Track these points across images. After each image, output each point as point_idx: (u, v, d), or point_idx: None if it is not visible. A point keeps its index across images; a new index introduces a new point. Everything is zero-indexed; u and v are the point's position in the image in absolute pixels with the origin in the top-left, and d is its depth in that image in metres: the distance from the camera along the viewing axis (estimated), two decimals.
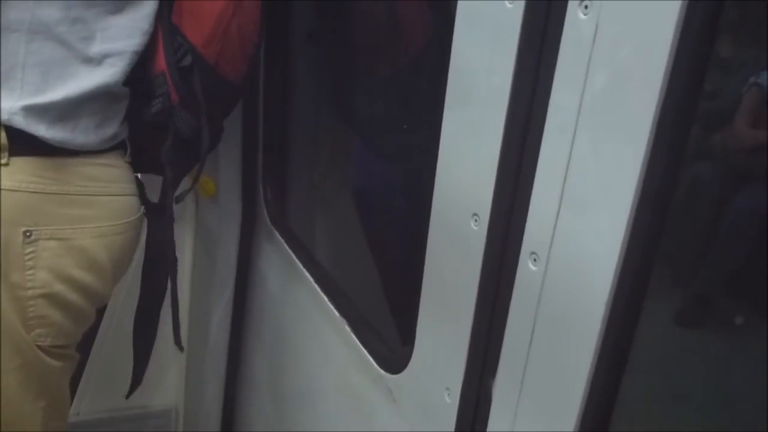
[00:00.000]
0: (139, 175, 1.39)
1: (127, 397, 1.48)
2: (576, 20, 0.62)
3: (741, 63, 0.60)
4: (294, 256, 1.47)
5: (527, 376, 0.72)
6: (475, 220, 0.78)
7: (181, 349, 1.47)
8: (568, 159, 0.64)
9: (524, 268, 0.71)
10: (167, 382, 2.00)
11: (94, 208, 1.14)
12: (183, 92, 1.18)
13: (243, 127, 1.61)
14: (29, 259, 1.09)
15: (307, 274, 1.39)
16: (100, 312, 1.63)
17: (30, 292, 1.10)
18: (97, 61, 1.09)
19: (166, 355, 1.96)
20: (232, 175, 1.66)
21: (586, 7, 0.61)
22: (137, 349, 1.42)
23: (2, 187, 1.06)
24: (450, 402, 0.87)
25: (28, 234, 1.08)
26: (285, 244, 1.52)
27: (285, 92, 1.62)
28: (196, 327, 1.91)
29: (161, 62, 1.17)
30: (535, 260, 0.69)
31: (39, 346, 1.14)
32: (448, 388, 0.88)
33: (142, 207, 1.25)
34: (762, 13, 0.55)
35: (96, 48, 1.09)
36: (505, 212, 0.74)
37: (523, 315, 0.72)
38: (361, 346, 1.15)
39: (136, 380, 1.45)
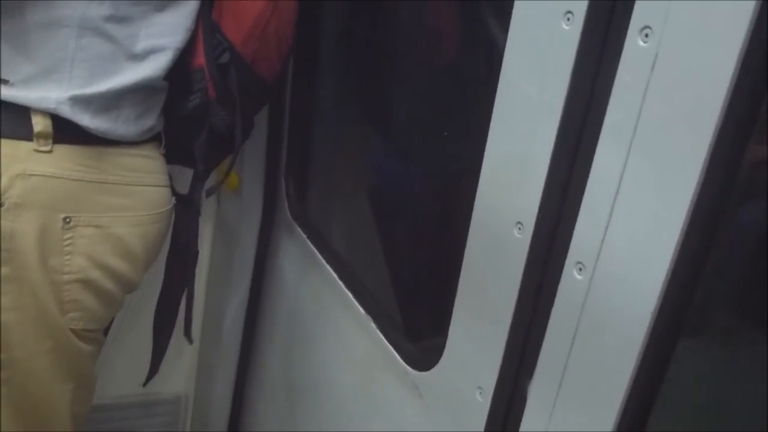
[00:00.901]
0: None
1: (144, 384, 1.51)
2: (635, 47, 0.66)
3: None
4: (316, 252, 1.50)
5: (565, 379, 0.76)
6: (519, 228, 0.82)
7: (190, 341, 1.50)
8: (621, 177, 0.68)
9: (569, 276, 0.74)
10: (178, 370, 2.03)
11: (131, 197, 1.18)
12: (220, 88, 1.22)
13: (269, 122, 1.64)
14: (67, 245, 1.12)
15: (330, 270, 1.42)
16: None
17: (66, 277, 1.13)
18: (141, 57, 1.13)
19: (178, 344, 1.99)
20: (255, 170, 1.69)
21: (646, 35, 0.65)
22: (156, 339, 1.45)
23: (45, 173, 1.09)
24: (482, 401, 0.91)
25: (67, 220, 1.11)
26: (307, 239, 1.56)
27: (312, 90, 1.65)
28: (210, 317, 1.94)
29: (200, 58, 1.21)
30: (580, 269, 0.73)
31: (72, 330, 1.17)
32: (480, 387, 0.92)
33: (174, 197, 1.29)
34: None
35: (141, 45, 1.13)
36: (551, 223, 0.77)
37: (564, 321, 0.75)
38: (387, 343, 1.18)
39: (154, 369, 1.48)
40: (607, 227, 0.69)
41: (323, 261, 1.46)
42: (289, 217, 1.66)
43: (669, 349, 0.67)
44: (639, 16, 0.65)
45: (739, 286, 0.72)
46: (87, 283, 1.15)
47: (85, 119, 1.08)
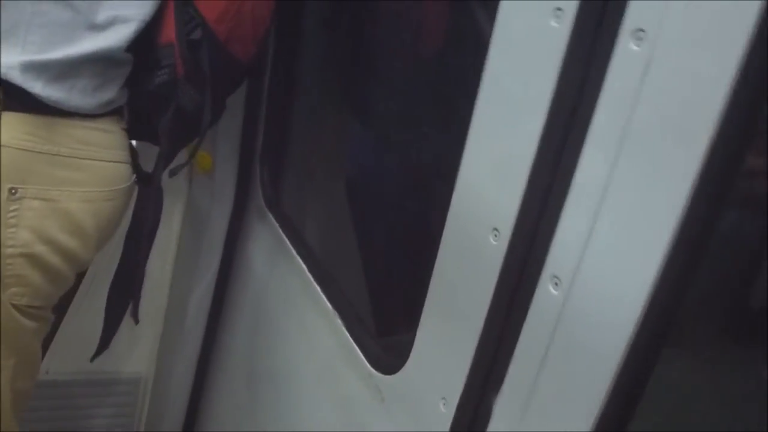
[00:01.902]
0: (134, 142, 1.37)
1: (92, 360, 1.47)
2: (626, 51, 0.61)
3: None
4: (287, 241, 1.45)
5: (533, 398, 0.72)
6: (495, 235, 0.77)
7: (135, 321, 1.45)
8: (605, 186, 0.63)
9: (544, 290, 0.70)
10: (139, 351, 1.97)
11: (84, 172, 1.12)
12: (190, 66, 1.17)
13: (245, 104, 1.59)
14: (12, 217, 1.07)
15: (300, 261, 1.37)
16: (81, 273, 1.61)
17: (10, 251, 1.08)
18: (102, 27, 1.08)
19: (141, 324, 1.93)
20: (229, 152, 1.63)
21: (639, 39, 0.60)
22: (108, 316, 1.41)
23: None
24: (445, 412, 0.87)
25: (13, 191, 1.06)
26: (279, 228, 1.51)
27: (292, 75, 1.60)
28: (174, 300, 1.89)
29: (170, 33, 1.16)
30: (556, 284, 0.69)
31: (14, 305, 1.12)
32: (444, 398, 0.88)
33: (134, 176, 1.23)
34: None
35: (103, 14, 1.07)
36: (529, 232, 0.73)
37: (536, 338, 0.71)
38: (352, 342, 1.14)
39: (103, 345, 1.44)
40: (587, 240, 0.65)
41: (293, 251, 1.41)
42: (261, 203, 1.60)
43: (643, 376, 0.63)
44: (632, 17, 0.61)
45: (720, 300, 0.69)
46: (32, 258, 1.09)
47: (37, 87, 1.03)
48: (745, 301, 0.68)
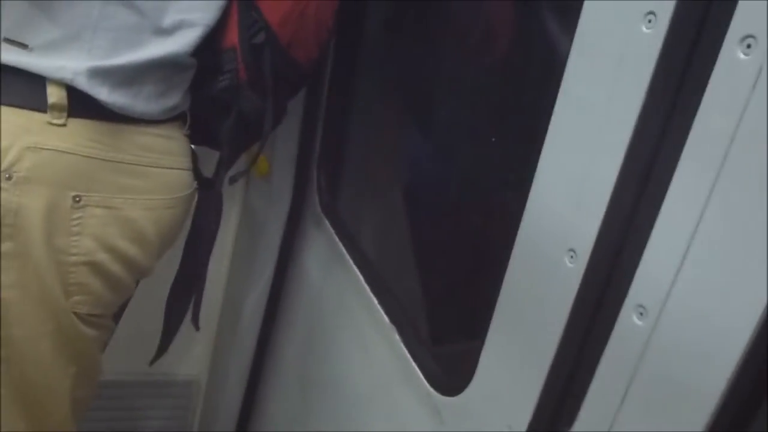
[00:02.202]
0: (193, 147, 1.36)
1: (151, 364, 1.45)
2: (733, 59, 0.55)
3: None
4: (343, 249, 1.41)
5: None
6: (571, 256, 0.72)
7: (196, 327, 1.43)
8: (703, 209, 0.57)
9: (627, 320, 0.64)
10: (194, 354, 1.98)
11: (147, 179, 1.10)
12: (252, 71, 1.14)
13: (304, 109, 1.56)
14: (75, 225, 1.05)
15: (357, 271, 1.34)
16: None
17: (73, 258, 1.07)
18: (168, 31, 1.05)
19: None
20: (287, 157, 1.61)
21: (748, 46, 0.54)
22: (167, 320, 1.39)
23: (57, 148, 1.02)
24: None
25: (77, 199, 1.04)
26: (335, 235, 1.47)
27: (352, 80, 1.56)
28: (229, 304, 1.88)
29: (233, 37, 1.13)
30: (641, 314, 0.63)
31: (76, 313, 1.11)
32: (509, 425, 0.82)
33: (195, 182, 1.21)
34: None
35: (169, 18, 1.05)
36: (611, 254, 0.67)
37: (617, 371, 0.65)
38: (410, 359, 1.09)
39: (162, 349, 1.43)
40: (680, 267, 0.59)
41: (350, 260, 1.37)
42: (318, 209, 1.57)
43: (745, 422, 0.57)
44: (740, 22, 0.55)
45: None
46: (94, 266, 1.08)
47: (103, 93, 1.01)
48: None
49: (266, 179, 1.64)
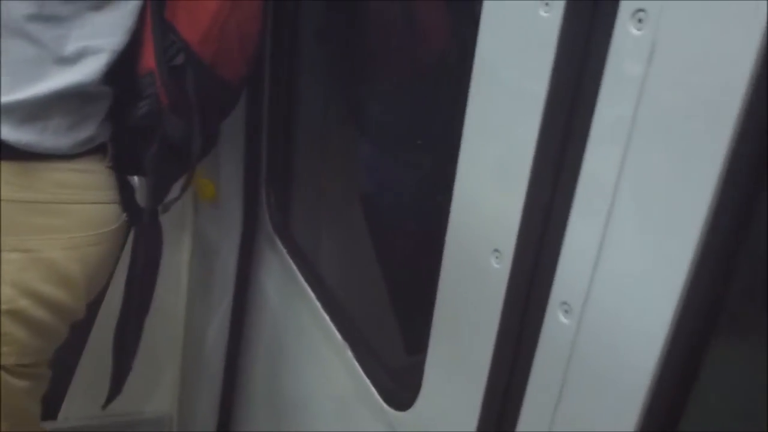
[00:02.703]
0: (136, 178, 1.31)
1: (104, 407, 1.39)
2: (627, 36, 0.53)
3: None
4: (296, 269, 1.38)
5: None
6: (497, 257, 0.69)
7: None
8: (613, 195, 0.54)
9: (553, 318, 0.61)
10: (161, 388, 1.93)
11: (66, 217, 1.05)
12: (174, 94, 1.09)
13: (246, 127, 1.52)
14: None
15: (309, 290, 1.30)
16: (94, 312, 1.55)
17: None
18: (72, 60, 1.00)
19: (160, 362, 1.89)
20: (233, 178, 1.57)
21: (640, 20, 0.51)
22: (116, 359, 1.33)
23: None
24: None
25: None
26: (287, 255, 1.43)
27: (291, 92, 1.53)
28: (191, 334, 1.83)
29: (150, 61, 1.08)
30: (566, 311, 0.60)
31: (2, 366, 1.05)
32: None
33: (124, 214, 1.16)
34: None
35: (71, 47, 1.00)
36: (533, 251, 0.64)
37: (550, 371, 0.62)
38: (363, 376, 1.06)
39: (115, 390, 1.36)
40: (597, 262, 0.56)
41: (302, 279, 1.33)
42: (270, 229, 1.53)
43: (675, 409, 0.54)
44: None
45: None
46: (16, 314, 1.02)
47: (5, 131, 0.96)
48: None
49: (214, 203, 1.60)
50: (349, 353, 1.11)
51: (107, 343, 1.63)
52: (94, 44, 1.01)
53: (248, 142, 1.53)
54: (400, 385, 0.99)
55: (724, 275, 0.49)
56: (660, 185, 0.52)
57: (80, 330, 1.42)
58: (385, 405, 0.99)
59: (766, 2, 0.43)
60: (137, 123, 1.08)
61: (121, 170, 1.15)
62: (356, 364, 1.09)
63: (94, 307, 1.26)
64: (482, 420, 0.75)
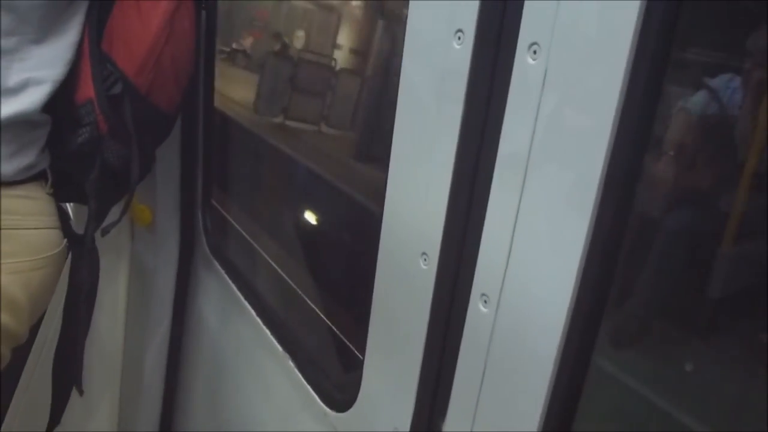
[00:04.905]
0: (71, 205, 1.34)
1: None
2: (524, 65, 0.62)
3: None
4: (234, 287, 1.43)
5: (478, 418, 0.72)
6: (425, 260, 0.77)
7: (80, 392, 1.38)
8: (519, 200, 0.64)
9: (475, 310, 0.70)
10: (100, 414, 1.91)
11: (9, 242, 1.07)
12: (112, 121, 1.14)
13: (181, 153, 1.57)
14: None
15: (248, 306, 1.35)
16: (32, 335, 1.54)
17: None
18: (15, 91, 1.04)
19: (100, 386, 1.88)
20: (169, 203, 1.61)
21: (534, 52, 0.61)
22: (56, 387, 1.33)
23: None
24: None
25: None
26: (225, 275, 1.48)
27: (225, 118, 1.59)
28: (130, 360, 1.84)
29: (88, 90, 1.12)
30: (485, 302, 0.69)
31: None
32: (396, 428, 0.86)
33: (65, 240, 1.19)
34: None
35: (14, 78, 1.03)
36: (455, 252, 0.73)
37: (473, 357, 0.71)
38: (305, 383, 1.12)
39: (54, 420, 1.36)
40: (508, 257, 0.65)
41: (241, 297, 1.39)
42: (207, 251, 1.58)
43: (578, 378, 0.63)
44: (526, 32, 0.62)
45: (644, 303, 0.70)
46: None
47: None
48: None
49: (150, 228, 1.64)
50: (290, 363, 1.17)
51: (42, 370, 1.64)
52: (36, 76, 1.04)
53: (184, 167, 1.58)
54: (339, 387, 1.06)
55: (609, 269, 0.59)
56: (555, 190, 0.61)
57: (20, 354, 1.43)
58: (326, 408, 1.05)
59: (631, 39, 0.53)
60: (78, 149, 1.12)
61: (60, 197, 1.18)
62: (297, 373, 1.15)
63: (33, 332, 1.26)
64: (416, 413, 0.83)
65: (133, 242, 1.72)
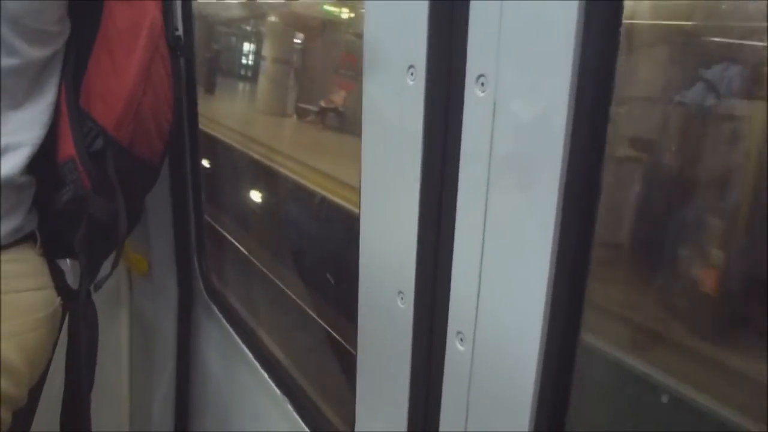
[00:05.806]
0: (68, 261, 1.33)
1: None
2: (474, 97, 0.61)
3: None
4: (232, 332, 1.42)
5: None
6: (401, 298, 0.76)
7: None
8: (483, 233, 0.62)
9: (452, 348, 0.68)
10: None
11: (2, 307, 1.07)
12: (96, 177, 1.14)
13: (173, 200, 1.57)
14: None
15: (246, 350, 1.34)
16: (35, 397, 1.53)
17: None
18: None
19: None
20: (165, 250, 1.61)
21: (482, 84, 0.60)
22: None
23: None
24: None
25: None
26: (223, 319, 1.48)
27: (214, 160, 1.59)
28: (137, 409, 1.83)
29: (69, 148, 1.12)
30: (462, 340, 0.67)
31: None
32: None
33: (59, 298, 1.18)
34: None
35: None
36: (429, 291, 0.71)
37: (456, 397, 0.69)
38: (305, 427, 1.11)
39: None
40: (478, 293, 0.64)
41: (239, 340, 1.38)
42: (205, 296, 1.57)
43: (562, 409, 0.61)
44: (473, 64, 0.61)
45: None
46: None
47: None
48: None
49: (148, 278, 1.63)
50: (289, 407, 1.15)
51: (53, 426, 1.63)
52: (15, 140, 1.05)
53: (176, 213, 1.58)
54: (335, 427, 1.05)
55: (577, 291, 0.58)
56: (515, 220, 0.60)
57: (22, 417, 1.42)
58: None
59: (572, 63, 0.52)
60: (64, 208, 1.12)
61: (52, 254, 1.18)
62: (296, 416, 1.13)
63: (35, 392, 1.26)
64: None
65: (132, 291, 1.72)
